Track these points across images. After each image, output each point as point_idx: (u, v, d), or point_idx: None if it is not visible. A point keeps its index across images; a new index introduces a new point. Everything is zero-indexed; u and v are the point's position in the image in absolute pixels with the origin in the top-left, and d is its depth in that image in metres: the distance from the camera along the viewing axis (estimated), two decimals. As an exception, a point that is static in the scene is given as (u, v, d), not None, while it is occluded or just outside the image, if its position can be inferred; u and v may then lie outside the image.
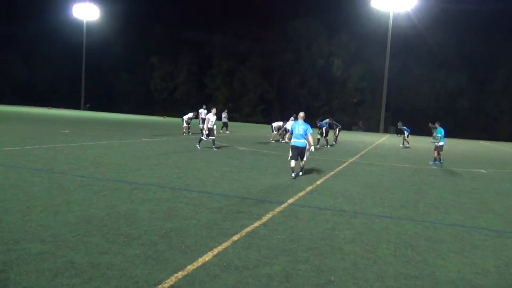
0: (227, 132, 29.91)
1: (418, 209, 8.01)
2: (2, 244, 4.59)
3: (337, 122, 25.52)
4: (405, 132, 27.07)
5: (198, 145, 16.99)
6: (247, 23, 76.12)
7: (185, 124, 25.32)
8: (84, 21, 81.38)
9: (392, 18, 60.34)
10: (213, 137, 16.89)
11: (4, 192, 7.02)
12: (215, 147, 16.99)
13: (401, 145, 27.58)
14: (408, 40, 63.24)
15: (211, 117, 16.60)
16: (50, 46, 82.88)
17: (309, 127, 11.07)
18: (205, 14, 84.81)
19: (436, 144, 16.93)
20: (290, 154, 11.10)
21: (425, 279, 4.48)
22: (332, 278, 4.33)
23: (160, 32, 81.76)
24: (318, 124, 23.42)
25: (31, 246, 4.58)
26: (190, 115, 25.46)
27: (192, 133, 25.73)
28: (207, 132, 16.51)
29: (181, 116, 26.42)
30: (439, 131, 16.83)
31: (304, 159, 11.24)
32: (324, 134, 23.22)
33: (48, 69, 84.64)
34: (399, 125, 28.49)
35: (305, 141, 11.01)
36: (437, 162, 16.89)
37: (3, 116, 34.32)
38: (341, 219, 6.83)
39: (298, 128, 11.06)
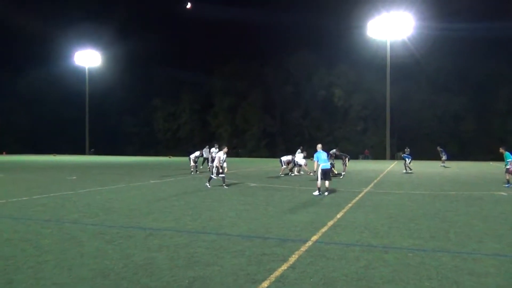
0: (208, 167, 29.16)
1: (449, 239, 7.56)
2: (14, 309, 4.19)
3: (343, 153, 25.31)
4: (406, 159, 27.53)
5: (208, 184, 16.65)
6: (246, 59, 77.17)
7: (192, 163, 25.07)
8: (86, 68, 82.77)
9: (389, 46, 61.01)
10: (223, 175, 16.59)
11: (14, 248, 6.64)
12: (226, 185, 16.64)
13: (403, 171, 27.29)
14: (407, 67, 63.65)
15: (222, 155, 16.37)
16: (53, 93, 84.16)
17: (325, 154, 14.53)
18: (205, 53, 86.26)
19: (507, 167, 17.42)
20: (318, 175, 14.04)
21: (483, 321, 4.03)
22: (381, 326, 3.89)
23: (161, 74, 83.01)
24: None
25: (46, 309, 4.18)
26: (197, 153, 25.39)
27: (200, 172, 25.43)
28: (218, 170, 16.26)
29: (188, 155, 26.29)
30: (507, 156, 17.39)
31: (328, 180, 14.28)
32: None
33: (51, 116, 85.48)
34: (406, 151, 28.41)
35: (329, 164, 14.18)
36: (510, 185, 17.38)
37: (8, 166, 34.19)
38: (372, 255, 6.39)
39: (322, 155, 14.26)
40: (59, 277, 5.20)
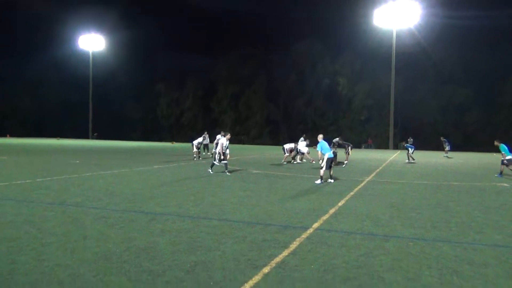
0: (209, 153, 29.52)
1: (450, 229, 7.57)
2: (18, 289, 4.24)
3: (346, 141, 25.35)
4: (409, 149, 27.54)
5: (210, 170, 16.70)
6: (250, 47, 76.69)
7: (195, 149, 25.13)
8: (90, 52, 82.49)
9: (395, 35, 60.44)
10: (226, 161, 16.64)
11: (17, 230, 6.70)
12: (228, 171, 16.69)
13: (406, 161, 27.31)
14: (412, 56, 63.10)
15: (225, 142, 16.44)
16: (57, 77, 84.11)
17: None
18: (209, 39, 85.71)
19: (503, 159, 17.92)
20: (324, 165, 14.00)
21: (482, 310, 4.05)
22: (380, 313, 3.92)
23: (165, 59, 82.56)
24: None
25: (49, 290, 4.23)
26: (200, 139, 25.47)
27: (202, 158, 25.49)
28: (220, 156, 16.34)
29: (191, 142, 26.37)
30: (502, 148, 17.92)
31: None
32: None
33: (55, 100, 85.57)
34: (410, 141, 28.41)
35: (332, 152, 14.58)
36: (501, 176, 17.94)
37: (11, 149, 34.33)
38: (373, 243, 6.42)
39: (326, 145, 14.36)
40: (62, 259, 5.25)
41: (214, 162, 16.72)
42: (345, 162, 23.68)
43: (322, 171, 14.17)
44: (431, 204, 10.32)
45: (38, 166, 18.65)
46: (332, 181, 14.53)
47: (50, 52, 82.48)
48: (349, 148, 24.62)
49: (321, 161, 14.26)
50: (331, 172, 14.82)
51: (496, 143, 18.67)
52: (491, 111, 61.16)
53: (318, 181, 14.10)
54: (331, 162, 14.37)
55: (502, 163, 17.99)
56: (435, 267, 5.34)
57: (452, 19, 57.61)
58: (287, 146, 24.17)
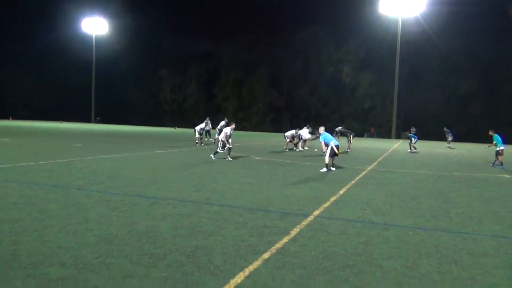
0: (211, 139, 29.65)
1: (451, 219, 7.60)
2: (21, 269, 4.29)
3: (348, 130, 25.49)
4: (412, 139, 27.29)
5: (213, 156, 16.74)
6: (255, 33, 76.25)
7: (197, 135, 25.16)
8: (93, 35, 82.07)
9: (400, 23, 59.88)
10: (230, 146, 16.70)
11: (20, 211, 6.75)
12: (230, 157, 16.74)
13: (408, 150, 27.28)
14: (417, 45, 62.66)
15: (228, 131, 16.49)
16: (60, 60, 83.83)
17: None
18: (213, 25, 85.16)
19: (496, 149, 18.36)
20: (329, 152, 14.18)
21: (479, 299, 4.08)
22: (378, 300, 3.96)
23: (169, 45, 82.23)
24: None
25: (51, 271, 4.28)
26: (202, 125, 25.51)
27: (204, 144, 25.52)
28: (224, 145, 16.39)
29: (193, 127, 26.47)
30: (496, 138, 18.39)
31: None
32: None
33: (58, 84, 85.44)
34: (412, 130, 28.41)
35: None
36: (496, 166, 18.28)
37: (14, 132, 34.41)
38: (373, 232, 6.45)
39: (328, 135, 14.80)
40: (64, 241, 5.30)
41: (217, 149, 16.75)
42: (348, 150, 23.73)
43: (327, 159, 14.27)
44: (432, 194, 10.34)
45: (41, 149, 18.71)
46: (334, 169, 14.56)
47: (53, 34, 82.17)
48: (351, 136, 24.72)
49: (325, 148, 14.38)
50: (334, 161, 14.92)
51: (490, 133, 18.97)
52: (494, 102, 60.82)
53: (324, 169, 14.11)
54: (335, 151, 14.35)
55: (497, 153, 18.24)
56: (434, 256, 5.37)
57: (458, 7, 56.89)
58: (288, 133, 24.21)
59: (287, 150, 23.40)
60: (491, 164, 18.83)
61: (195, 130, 25.47)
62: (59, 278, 4.12)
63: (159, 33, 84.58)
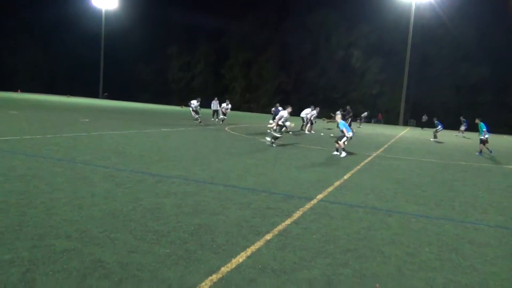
0: (217, 120, 30.11)
1: (454, 208, 7.61)
2: (27, 240, 4.37)
3: (350, 113, 25.52)
4: (439, 126, 26.93)
5: (270, 141, 15.96)
6: (265, 14, 75.35)
7: (193, 114, 24.65)
8: (103, 10, 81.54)
9: (414, 8, 58.91)
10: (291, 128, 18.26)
11: (27, 184, 6.84)
12: (274, 143, 15.92)
13: (431, 139, 26.99)
14: (430, 32, 61.71)
15: (285, 114, 15.84)
16: (69, 34, 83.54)
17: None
18: (224, 4, 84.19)
19: (480, 137, 18.60)
20: (345, 140, 14.33)
21: (478, 288, 4.12)
22: (377, 285, 4.00)
23: (178, 22, 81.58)
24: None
25: (57, 243, 4.36)
26: (195, 102, 24.76)
27: (205, 124, 25.53)
28: (279, 128, 15.91)
29: (189, 105, 25.55)
30: (482, 126, 18.53)
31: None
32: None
33: (67, 57, 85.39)
34: (424, 118, 28.18)
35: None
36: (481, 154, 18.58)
37: (22, 104, 34.57)
38: (376, 217, 6.49)
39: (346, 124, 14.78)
40: (70, 214, 5.38)
41: (275, 134, 15.88)
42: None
43: (342, 143, 14.27)
44: (437, 182, 10.34)
45: (48, 122, 18.82)
46: (336, 153, 14.52)
47: (62, 7, 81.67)
48: (350, 120, 24.97)
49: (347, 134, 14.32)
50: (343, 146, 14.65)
51: (476, 121, 19.18)
52: (506, 91, 60.09)
53: (343, 154, 14.17)
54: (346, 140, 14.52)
55: (481, 141, 18.55)
56: (435, 244, 5.40)
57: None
58: (306, 114, 24.66)
59: (312, 132, 24.20)
60: (477, 153, 18.98)
61: (191, 108, 24.86)
62: (64, 250, 4.19)
63: (169, 10, 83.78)
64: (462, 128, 34.57)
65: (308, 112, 25.00)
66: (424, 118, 28.74)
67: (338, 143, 14.45)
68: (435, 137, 27.10)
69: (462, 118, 35.23)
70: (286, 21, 75.48)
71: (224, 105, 28.47)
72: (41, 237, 4.48)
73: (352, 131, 15.06)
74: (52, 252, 4.12)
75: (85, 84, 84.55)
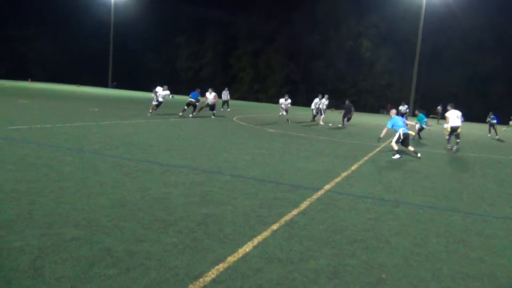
0: (228, 109, 30.61)
1: (462, 199, 7.57)
2: (37, 228, 4.42)
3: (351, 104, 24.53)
4: (494, 120, 25.54)
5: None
6: (274, 3, 74.73)
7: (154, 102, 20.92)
8: (112, 0, 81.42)
9: (425, -2, 58.01)
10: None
11: (37, 172, 6.90)
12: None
13: (495, 136, 25.20)
14: (441, 21, 60.83)
15: (324, 101, 16.45)
16: (78, 23, 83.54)
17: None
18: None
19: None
20: (396, 138, 12.74)
21: (485, 280, 4.10)
22: (384, 275, 4.01)
23: (187, 11, 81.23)
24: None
25: (66, 231, 4.40)
26: (162, 90, 20.79)
27: (198, 115, 25.54)
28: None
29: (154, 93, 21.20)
30: (422, 117, 18.58)
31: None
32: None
33: (76, 46, 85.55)
34: (439, 109, 27.60)
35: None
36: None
37: (32, 93, 34.80)
38: (383, 208, 6.47)
39: (399, 121, 13.21)
40: (78, 203, 5.43)
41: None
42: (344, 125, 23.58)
43: (394, 145, 12.54)
44: (445, 174, 10.28)
45: (58, 111, 18.94)
46: (418, 155, 12.70)
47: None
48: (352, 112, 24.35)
49: (384, 133, 13.52)
50: (411, 148, 13.06)
51: (416, 112, 19.17)
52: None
53: (396, 156, 12.24)
54: (405, 138, 12.76)
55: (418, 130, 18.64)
56: (443, 235, 5.38)
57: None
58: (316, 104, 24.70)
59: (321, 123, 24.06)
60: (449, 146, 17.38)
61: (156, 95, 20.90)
62: (73, 238, 4.24)
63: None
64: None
65: (317, 102, 24.83)
66: (439, 108, 28.16)
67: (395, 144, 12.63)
68: (496, 133, 25.14)
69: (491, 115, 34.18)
70: (295, 11, 74.80)
71: (207, 93, 23.30)
72: (50, 225, 4.53)
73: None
74: (61, 240, 4.16)
75: (94, 74, 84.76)
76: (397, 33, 64.49)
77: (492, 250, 4.98)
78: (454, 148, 15.19)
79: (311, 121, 25.31)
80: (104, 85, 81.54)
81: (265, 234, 4.85)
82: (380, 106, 63.81)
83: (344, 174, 9.01)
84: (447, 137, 15.84)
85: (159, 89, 20.78)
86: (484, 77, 61.64)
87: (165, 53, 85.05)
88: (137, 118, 18.74)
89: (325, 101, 24.67)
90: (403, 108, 27.09)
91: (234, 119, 23.41)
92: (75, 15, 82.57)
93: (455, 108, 15.60)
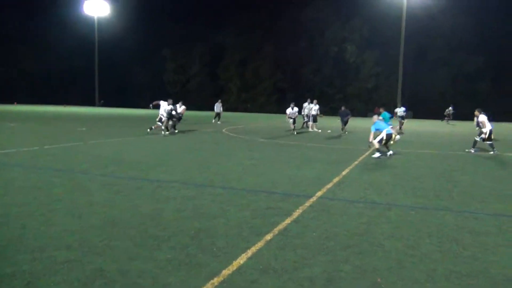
0: (219, 122, 30.84)
1: (453, 198, 7.62)
2: (28, 253, 4.37)
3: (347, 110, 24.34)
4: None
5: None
6: (259, 12, 75.23)
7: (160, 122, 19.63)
8: (95, 17, 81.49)
9: (406, 0, 58.87)
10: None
11: (26, 195, 6.84)
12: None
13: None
14: (423, 23, 61.62)
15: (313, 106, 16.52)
16: (62, 42, 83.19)
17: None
18: (217, 4, 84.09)
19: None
20: (378, 139, 13.17)
21: (479, 277, 4.13)
22: (379, 279, 4.01)
23: (172, 25, 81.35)
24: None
25: (57, 254, 4.36)
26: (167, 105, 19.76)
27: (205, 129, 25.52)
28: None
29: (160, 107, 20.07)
30: (385, 116, 17.63)
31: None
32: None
33: (61, 66, 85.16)
34: (449, 110, 27.07)
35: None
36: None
37: (19, 116, 34.54)
38: (375, 212, 6.50)
39: (381, 123, 13.65)
40: (69, 225, 5.38)
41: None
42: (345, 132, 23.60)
43: (376, 144, 13.07)
44: (435, 173, 10.36)
45: (45, 133, 18.82)
46: (391, 152, 13.51)
47: (55, 16, 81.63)
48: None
49: (373, 140, 13.25)
50: (388, 146, 13.66)
51: (381, 110, 18.48)
52: (501, 80, 60.12)
53: (377, 154, 13.01)
54: (388, 139, 13.24)
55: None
56: (435, 235, 5.41)
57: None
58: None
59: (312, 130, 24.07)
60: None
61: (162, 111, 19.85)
62: (65, 260, 4.20)
63: (162, 13, 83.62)
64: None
65: (305, 106, 24.82)
66: (451, 109, 27.95)
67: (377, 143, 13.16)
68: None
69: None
70: (280, 18, 75.37)
71: (177, 106, 21.73)
72: (41, 249, 4.48)
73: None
74: (52, 263, 4.12)
75: (81, 93, 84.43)
76: (381, 37, 65.14)
77: (484, 247, 5.01)
78: (495, 150, 14.89)
79: (302, 127, 25.37)
80: (92, 103, 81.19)
81: (259, 244, 4.84)
82: (368, 110, 64.15)
83: (335, 180, 9.04)
84: (489, 142, 14.95)
85: (163, 103, 19.70)
86: (469, 75, 62.42)
87: (152, 67, 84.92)
88: (125, 135, 18.67)
89: (314, 106, 24.55)
90: (400, 110, 26.22)
91: (224, 130, 23.43)
92: (58, 34, 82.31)
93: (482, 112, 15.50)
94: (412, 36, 60.94)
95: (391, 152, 13.58)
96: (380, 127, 13.44)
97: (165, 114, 19.39)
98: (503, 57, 59.20)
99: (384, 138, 13.18)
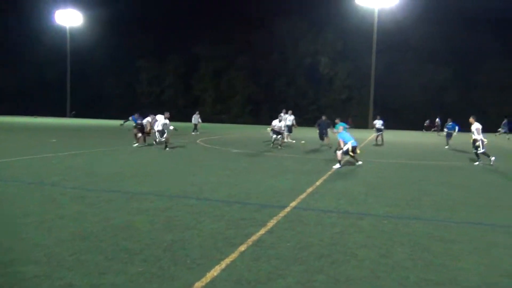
0: (197, 132, 31.05)
1: (424, 207, 7.79)
2: (-7, 268, 4.23)
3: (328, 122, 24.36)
4: (452, 130, 23.61)
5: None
6: (233, 24, 75.60)
7: (158, 135, 18.50)
8: (67, 27, 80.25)
9: (377, 14, 60.40)
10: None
11: (-7, 209, 6.63)
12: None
13: (447, 147, 23.82)
14: (393, 36, 63.25)
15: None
16: (33, 53, 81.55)
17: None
18: (192, 16, 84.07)
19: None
20: (344, 150, 13.53)
21: (448, 285, 4.22)
22: (352, 289, 4.05)
23: (146, 35, 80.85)
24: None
25: (25, 269, 4.22)
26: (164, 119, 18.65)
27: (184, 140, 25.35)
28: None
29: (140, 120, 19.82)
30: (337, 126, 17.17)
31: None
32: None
33: (32, 77, 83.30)
34: (437, 122, 27.35)
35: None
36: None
37: (-13, 127, 33.54)
38: (348, 221, 6.57)
39: (347, 134, 14.00)
40: (40, 238, 5.23)
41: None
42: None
43: (339, 155, 13.39)
44: (408, 183, 10.56)
45: (15, 144, 18.32)
46: (360, 163, 13.89)
47: (25, 27, 79.99)
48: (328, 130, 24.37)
49: (343, 145, 13.61)
50: (356, 157, 13.99)
51: (336, 121, 19.00)
52: (469, 90, 62.09)
53: (337, 165, 13.14)
54: (353, 150, 13.58)
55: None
56: (407, 244, 5.50)
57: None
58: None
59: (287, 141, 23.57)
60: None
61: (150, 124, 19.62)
62: (34, 276, 4.08)
63: (135, 23, 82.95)
64: (502, 130, 33.21)
65: (286, 117, 24.69)
66: (438, 121, 28.41)
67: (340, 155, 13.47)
68: (450, 142, 23.87)
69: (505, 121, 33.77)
70: (254, 31, 75.92)
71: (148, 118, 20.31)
72: (10, 264, 4.34)
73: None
74: (20, 279, 4.00)
75: (52, 104, 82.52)
76: (353, 49, 66.47)
77: (454, 255, 5.12)
78: (493, 158, 14.71)
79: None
80: (63, 114, 79.60)
81: (233, 256, 4.82)
82: (341, 120, 64.99)
83: (309, 190, 9.10)
84: (483, 149, 14.71)
85: (159, 117, 18.72)
86: (439, 86, 64.24)
87: (125, 78, 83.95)
88: (98, 146, 18.36)
89: (289, 117, 24.53)
90: (378, 122, 25.71)
91: (198, 141, 23.32)
92: (29, 44, 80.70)
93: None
94: (383, 49, 62.46)
95: (360, 162, 13.95)
96: (345, 138, 13.75)
97: (161, 128, 18.12)
98: (470, 68, 61.24)
99: (350, 149, 13.50)
